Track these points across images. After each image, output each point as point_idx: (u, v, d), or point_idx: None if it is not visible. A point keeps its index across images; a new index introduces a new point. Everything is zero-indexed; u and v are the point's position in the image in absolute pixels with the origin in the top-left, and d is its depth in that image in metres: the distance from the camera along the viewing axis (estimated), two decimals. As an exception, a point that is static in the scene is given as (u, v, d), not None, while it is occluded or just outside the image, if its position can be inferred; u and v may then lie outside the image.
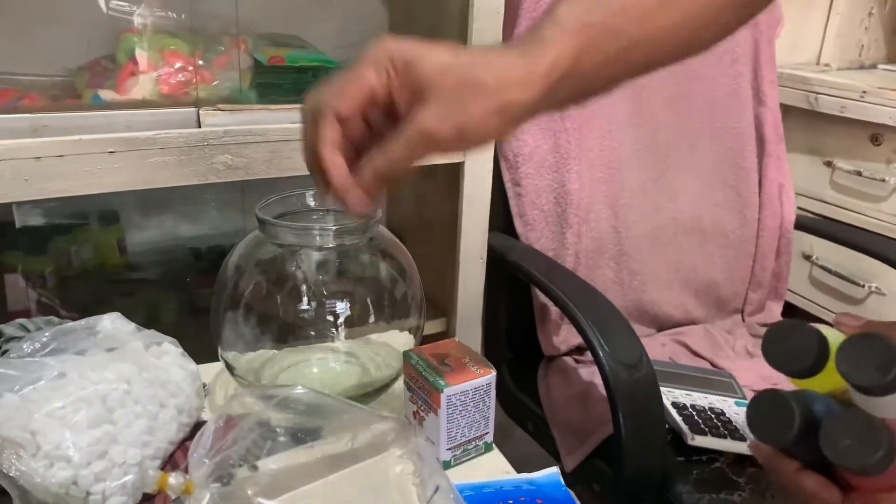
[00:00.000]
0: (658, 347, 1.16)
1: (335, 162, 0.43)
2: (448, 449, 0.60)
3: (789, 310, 1.31)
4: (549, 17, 0.45)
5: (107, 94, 0.81)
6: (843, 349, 0.34)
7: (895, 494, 0.35)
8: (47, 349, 0.56)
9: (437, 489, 0.47)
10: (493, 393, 0.61)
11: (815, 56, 1.48)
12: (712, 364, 1.12)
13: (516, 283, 1.14)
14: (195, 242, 1.08)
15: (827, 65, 1.45)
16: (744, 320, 1.26)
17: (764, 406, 0.38)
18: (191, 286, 1.02)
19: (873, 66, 1.44)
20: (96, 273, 0.96)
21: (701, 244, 1.23)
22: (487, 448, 0.63)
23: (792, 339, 0.37)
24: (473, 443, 0.61)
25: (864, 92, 1.22)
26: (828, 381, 0.37)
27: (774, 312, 1.27)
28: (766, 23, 1.21)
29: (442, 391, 0.57)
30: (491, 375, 0.61)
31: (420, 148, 0.42)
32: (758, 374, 1.08)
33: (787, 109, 1.29)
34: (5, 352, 0.57)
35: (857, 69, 1.43)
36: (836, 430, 0.33)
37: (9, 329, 0.61)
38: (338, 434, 0.47)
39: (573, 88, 0.45)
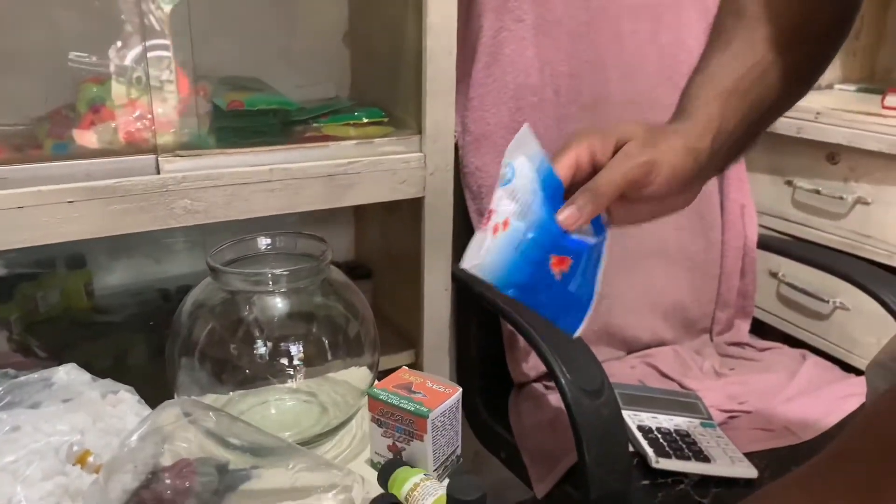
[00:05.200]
0: (628, 370, 1.17)
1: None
2: (435, 470, 0.62)
3: (758, 327, 1.33)
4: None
5: (67, 142, 0.82)
6: None
7: None
8: (1, 403, 0.56)
9: None
10: (460, 407, 0.64)
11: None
12: (681, 385, 1.13)
13: (487, 311, 1.15)
14: (163, 284, 1.09)
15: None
16: (712, 340, 1.28)
17: None
18: (159, 327, 1.02)
19: (829, 87, 1.47)
20: (63, 318, 0.97)
21: (667, 267, 1.25)
22: (458, 460, 0.65)
23: None
24: (450, 458, 0.64)
25: (819, 113, 1.25)
26: None
27: (742, 330, 1.29)
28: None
29: (427, 417, 0.59)
30: (458, 392, 0.64)
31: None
32: (725, 394, 1.09)
33: (746, 131, 1.32)
34: (-40, 406, 0.58)
35: (813, 90, 1.46)
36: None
37: (-35, 383, 0.62)
38: (277, 468, 0.49)
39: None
